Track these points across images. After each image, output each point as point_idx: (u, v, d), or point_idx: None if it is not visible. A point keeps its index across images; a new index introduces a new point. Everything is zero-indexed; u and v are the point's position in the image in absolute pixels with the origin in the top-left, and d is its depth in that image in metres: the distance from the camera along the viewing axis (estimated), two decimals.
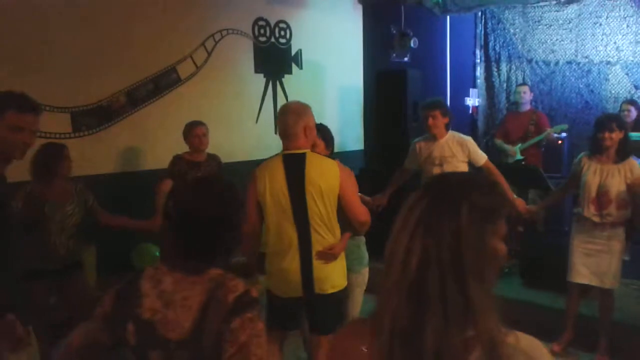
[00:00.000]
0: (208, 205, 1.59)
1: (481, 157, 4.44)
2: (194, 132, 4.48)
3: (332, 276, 3.01)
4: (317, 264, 2.96)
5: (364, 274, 3.59)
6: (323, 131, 3.48)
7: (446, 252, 1.03)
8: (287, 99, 6.34)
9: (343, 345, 1.22)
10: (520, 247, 5.33)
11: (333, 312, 3.05)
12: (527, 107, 6.23)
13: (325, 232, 2.98)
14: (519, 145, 6.03)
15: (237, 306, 1.46)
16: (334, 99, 6.75)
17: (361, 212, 3.07)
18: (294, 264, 2.95)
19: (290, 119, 3.00)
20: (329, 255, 2.97)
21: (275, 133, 6.24)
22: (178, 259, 1.58)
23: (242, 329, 1.44)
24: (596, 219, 4.03)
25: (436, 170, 4.36)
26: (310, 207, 2.92)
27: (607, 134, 3.98)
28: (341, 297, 3.14)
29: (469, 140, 4.47)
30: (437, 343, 1.00)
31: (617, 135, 3.97)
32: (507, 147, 6.12)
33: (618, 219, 4.00)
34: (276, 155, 3.08)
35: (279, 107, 6.26)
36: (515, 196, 4.49)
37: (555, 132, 6.02)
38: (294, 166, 2.95)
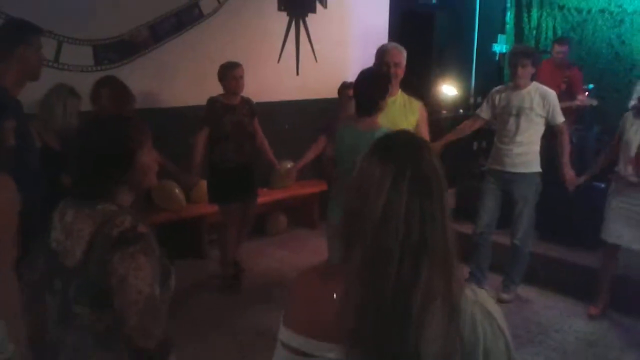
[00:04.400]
0: (93, 141, 1.68)
1: (560, 116, 4.24)
2: (231, 74, 4.39)
3: None
4: None
5: None
6: None
7: (438, 211, 1.13)
8: (309, 40, 6.23)
9: (309, 292, 1.25)
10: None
11: None
12: (564, 61, 6.00)
13: None
14: None
15: (120, 241, 1.55)
16: (358, 40, 6.59)
17: None
18: None
19: None
20: None
21: (297, 74, 6.22)
22: (74, 192, 1.71)
23: (121, 262, 1.53)
24: (633, 179, 3.92)
25: (512, 122, 4.22)
26: None
27: None
28: None
29: (553, 94, 4.25)
30: (427, 295, 1.09)
31: None
32: None
33: None
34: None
35: (301, 47, 6.25)
36: (568, 164, 4.31)
37: (583, 103, 5.78)
38: None
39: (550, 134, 4.40)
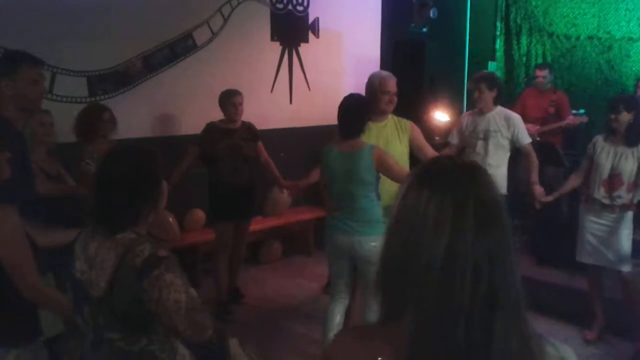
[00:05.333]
0: (117, 173, 1.73)
1: (526, 138, 4.37)
2: (231, 101, 4.50)
3: None
4: None
5: None
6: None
7: (506, 249, 0.96)
8: (302, 69, 6.30)
9: (347, 354, 1.07)
10: (534, 223, 5.29)
11: None
12: (548, 85, 6.12)
13: None
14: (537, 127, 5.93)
15: (145, 269, 1.62)
16: (350, 68, 6.67)
17: None
18: None
19: None
20: None
21: (290, 103, 6.26)
22: (96, 223, 1.77)
23: (152, 286, 1.61)
24: (606, 201, 4.00)
25: (480, 145, 4.35)
26: None
27: (613, 116, 3.94)
28: None
29: (516, 117, 4.40)
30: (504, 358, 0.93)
31: (624, 117, 3.91)
32: (527, 125, 6.01)
33: (628, 201, 3.96)
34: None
35: (294, 76, 6.30)
36: (537, 181, 4.37)
37: (574, 122, 5.86)
38: None
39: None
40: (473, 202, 0.94)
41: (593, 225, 4.09)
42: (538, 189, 4.33)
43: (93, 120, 3.96)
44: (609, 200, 3.99)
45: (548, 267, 5.03)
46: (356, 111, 3.37)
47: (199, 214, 5.33)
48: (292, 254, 6.21)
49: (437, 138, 6.72)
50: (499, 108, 4.40)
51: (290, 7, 6.16)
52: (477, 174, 1.01)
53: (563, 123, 5.78)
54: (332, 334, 3.58)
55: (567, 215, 5.17)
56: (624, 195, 3.95)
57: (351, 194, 3.38)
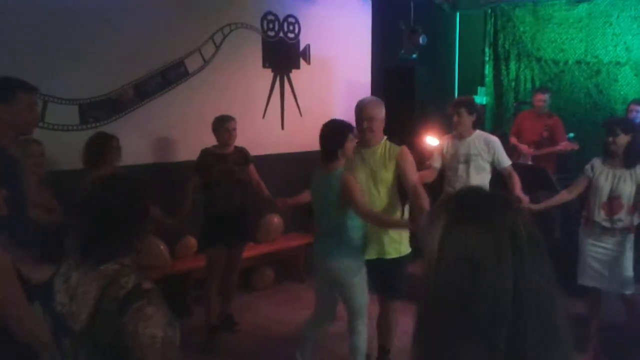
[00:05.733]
0: (105, 203, 1.70)
1: (505, 160, 4.44)
2: (225, 126, 4.54)
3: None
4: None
5: None
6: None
7: (553, 282, 0.95)
8: (294, 95, 6.34)
9: None
10: None
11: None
12: (545, 110, 6.18)
13: None
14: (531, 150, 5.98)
15: (127, 301, 1.58)
16: (342, 95, 6.72)
17: None
18: None
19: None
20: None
21: (282, 129, 6.28)
22: (80, 254, 1.72)
23: (131, 319, 1.56)
24: (606, 224, 3.99)
25: (462, 169, 4.40)
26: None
27: (610, 139, 3.95)
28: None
29: (495, 140, 4.47)
30: None
31: (622, 140, 3.93)
32: (522, 146, 6.06)
33: (628, 224, 3.96)
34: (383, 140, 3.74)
35: (286, 102, 6.34)
36: (522, 194, 4.37)
37: (566, 148, 5.92)
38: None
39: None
40: (523, 235, 0.92)
41: (594, 248, 4.06)
42: (525, 198, 4.33)
43: (101, 148, 4.06)
44: (609, 224, 3.98)
45: None
46: (330, 135, 3.49)
47: (191, 241, 5.30)
48: (285, 280, 6.17)
49: (428, 162, 6.74)
50: (478, 132, 4.49)
51: (281, 34, 6.22)
52: (510, 203, 0.98)
53: (556, 148, 5.82)
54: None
55: (560, 242, 5.16)
56: (624, 218, 3.94)
57: (327, 215, 3.50)
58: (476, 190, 1.05)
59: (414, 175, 3.70)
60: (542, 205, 4.46)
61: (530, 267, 0.90)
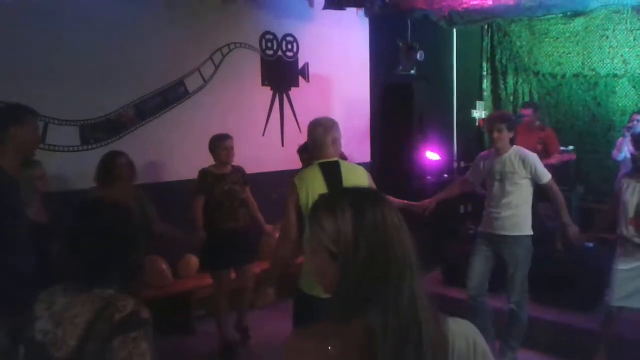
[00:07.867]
0: (95, 229, 1.67)
1: (545, 175, 4.23)
2: (222, 145, 4.54)
3: None
4: None
5: None
6: None
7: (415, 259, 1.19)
8: (294, 112, 6.37)
9: (302, 346, 1.21)
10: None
11: None
12: (536, 123, 6.22)
13: None
14: None
15: (123, 326, 1.52)
16: (340, 112, 6.74)
17: None
18: None
19: (320, 131, 3.39)
20: None
21: (283, 146, 6.31)
22: (71, 278, 1.67)
23: (123, 347, 1.50)
24: (637, 240, 3.86)
25: (497, 186, 4.26)
26: None
27: (638, 153, 3.89)
28: None
29: (533, 156, 4.27)
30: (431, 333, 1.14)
31: None
32: None
33: None
34: (310, 165, 3.37)
35: (285, 120, 6.37)
36: (569, 221, 4.27)
37: (561, 160, 5.93)
38: (331, 172, 3.23)
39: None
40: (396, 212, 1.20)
41: (628, 266, 3.91)
42: (572, 230, 4.22)
43: (106, 165, 4.09)
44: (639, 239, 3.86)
45: (542, 304, 4.94)
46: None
47: (193, 260, 5.30)
48: (286, 297, 6.13)
49: (429, 177, 6.76)
50: (515, 148, 4.30)
51: (280, 53, 6.27)
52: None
53: (550, 161, 5.82)
54: None
55: (563, 255, 5.13)
56: None
57: None
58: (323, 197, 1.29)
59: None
60: (589, 237, 4.34)
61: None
